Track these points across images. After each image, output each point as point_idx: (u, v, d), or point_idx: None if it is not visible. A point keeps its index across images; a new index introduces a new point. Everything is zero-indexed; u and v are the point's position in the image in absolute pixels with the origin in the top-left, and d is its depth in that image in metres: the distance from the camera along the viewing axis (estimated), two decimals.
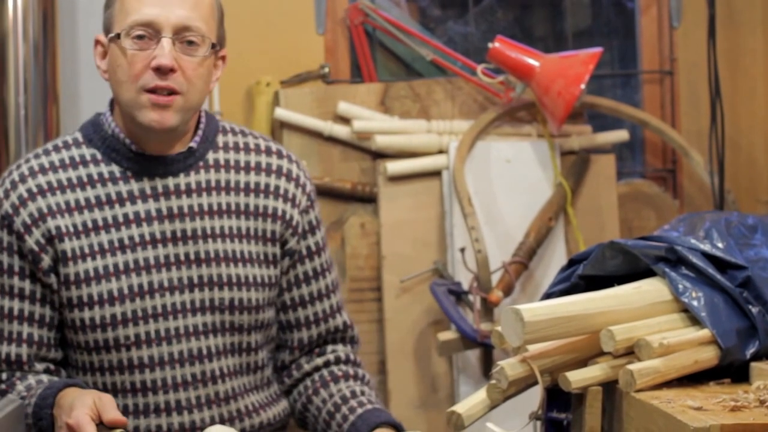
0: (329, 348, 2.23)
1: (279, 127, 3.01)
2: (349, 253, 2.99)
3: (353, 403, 2.14)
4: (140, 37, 2.01)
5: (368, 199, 3.03)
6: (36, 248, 2.05)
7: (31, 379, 2.05)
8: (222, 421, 2.09)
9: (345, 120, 3.02)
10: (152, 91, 2.01)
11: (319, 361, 2.22)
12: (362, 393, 2.17)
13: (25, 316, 2.07)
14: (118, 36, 2.02)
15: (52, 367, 2.09)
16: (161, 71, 2.00)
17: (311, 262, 2.19)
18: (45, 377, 2.07)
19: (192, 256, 2.07)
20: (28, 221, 2.06)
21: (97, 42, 2.09)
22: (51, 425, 1.93)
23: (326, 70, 3.09)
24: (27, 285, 2.07)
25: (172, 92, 2.02)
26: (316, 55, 3.10)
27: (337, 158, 3.03)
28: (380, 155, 3.03)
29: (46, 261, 2.05)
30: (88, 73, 2.94)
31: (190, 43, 2.03)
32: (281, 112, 2.99)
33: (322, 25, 3.11)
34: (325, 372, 2.21)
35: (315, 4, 3.09)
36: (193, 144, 2.10)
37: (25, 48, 2.71)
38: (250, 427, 2.12)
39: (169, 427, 2.06)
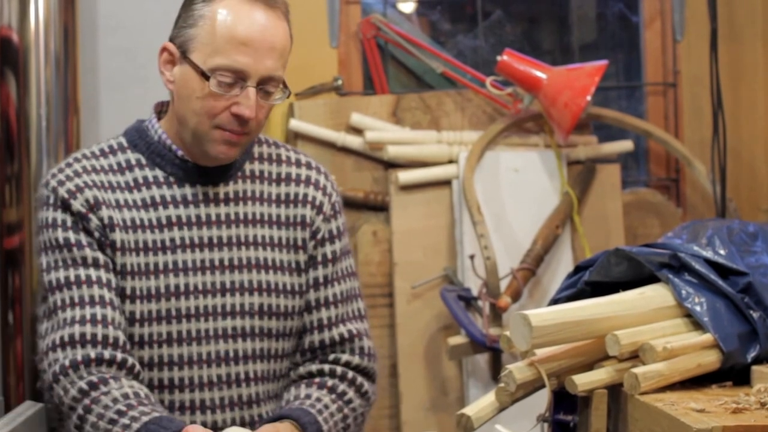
0: (331, 356, 2.19)
1: (293, 138, 3.01)
2: (361, 260, 2.99)
3: (294, 403, 2.09)
4: (226, 81, 2.01)
5: (380, 207, 3.03)
6: (100, 225, 2.08)
7: (127, 389, 1.99)
8: (243, 424, 2.11)
9: (358, 131, 3.03)
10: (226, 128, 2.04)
11: (313, 368, 2.18)
12: (307, 397, 2.11)
13: (104, 282, 2.05)
14: (202, 72, 2.01)
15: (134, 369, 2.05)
16: (241, 119, 2.03)
17: (324, 268, 2.21)
18: (142, 392, 2.00)
19: (226, 262, 2.11)
20: (86, 206, 2.08)
21: (165, 50, 2.07)
22: None
23: (339, 82, 3.10)
24: (100, 255, 2.07)
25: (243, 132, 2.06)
26: (329, 67, 3.11)
27: (350, 168, 3.04)
28: (392, 165, 3.03)
29: (110, 239, 2.07)
30: (108, 85, 2.97)
31: (269, 90, 2.05)
32: (296, 123, 3.00)
33: (335, 38, 3.12)
34: (307, 378, 2.16)
35: (329, 18, 3.10)
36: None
37: (46, 61, 2.71)
38: None
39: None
